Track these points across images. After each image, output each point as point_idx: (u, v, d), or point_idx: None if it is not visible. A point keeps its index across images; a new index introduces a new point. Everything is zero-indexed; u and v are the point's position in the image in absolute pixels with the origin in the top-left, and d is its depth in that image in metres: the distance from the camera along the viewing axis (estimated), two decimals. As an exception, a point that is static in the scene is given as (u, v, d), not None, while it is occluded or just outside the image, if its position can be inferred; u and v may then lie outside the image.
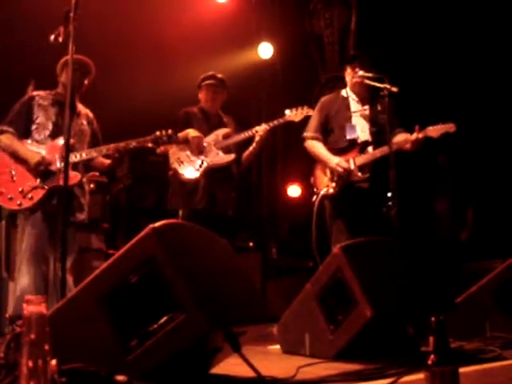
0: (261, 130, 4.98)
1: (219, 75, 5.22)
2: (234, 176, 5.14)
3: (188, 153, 4.97)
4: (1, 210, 5.08)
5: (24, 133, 4.31)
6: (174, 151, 4.98)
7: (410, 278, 3.64)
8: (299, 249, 7.60)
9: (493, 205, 7.31)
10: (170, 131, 4.40)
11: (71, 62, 3.68)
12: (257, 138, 5.00)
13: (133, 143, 4.32)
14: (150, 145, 4.39)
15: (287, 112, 5.05)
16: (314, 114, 5.03)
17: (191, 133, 4.97)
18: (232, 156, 5.03)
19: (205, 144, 4.99)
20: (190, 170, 4.94)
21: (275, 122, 5.04)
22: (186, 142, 4.94)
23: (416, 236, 5.50)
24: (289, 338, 3.72)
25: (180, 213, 4.96)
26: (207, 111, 5.21)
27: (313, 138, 4.96)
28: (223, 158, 5.02)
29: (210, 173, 4.94)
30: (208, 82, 5.16)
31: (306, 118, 5.05)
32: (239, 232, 6.92)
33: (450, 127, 4.63)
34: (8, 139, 4.28)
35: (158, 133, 4.38)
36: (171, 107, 5.35)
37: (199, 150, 4.96)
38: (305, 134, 5.02)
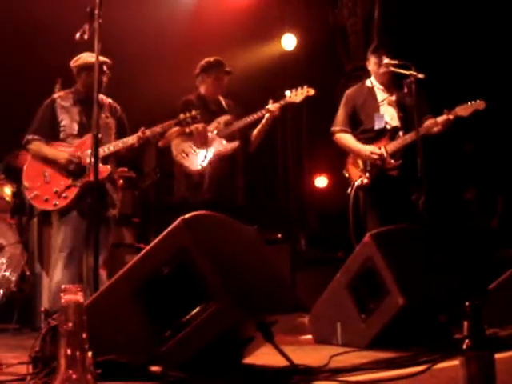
0: (274, 107, 4.85)
1: (222, 60, 5.09)
2: (240, 164, 5.04)
3: (192, 144, 4.86)
4: (33, 208, 5.14)
5: (52, 137, 4.37)
6: (176, 143, 4.89)
7: (442, 265, 3.61)
8: (328, 240, 7.59)
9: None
10: (194, 112, 4.39)
11: (97, 59, 3.71)
12: (267, 116, 4.86)
13: (157, 129, 4.34)
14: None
15: (287, 93, 4.95)
16: (341, 108, 4.98)
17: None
18: (236, 143, 4.93)
19: (208, 134, 4.87)
20: (195, 161, 4.84)
21: (281, 103, 4.91)
22: (189, 133, 4.82)
23: (446, 224, 5.45)
24: (321, 327, 3.72)
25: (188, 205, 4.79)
26: (206, 98, 5.06)
27: (341, 132, 4.93)
28: (227, 146, 4.91)
29: (215, 163, 4.83)
30: (220, 70, 5.03)
31: (309, 100, 5.00)
32: (266, 223, 6.91)
33: (479, 104, 4.57)
34: (36, 146, 4.36)
35: (181, 115, 4.39)
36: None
37: (203, 141, 4.84)
38: (333, 129, 4.98)
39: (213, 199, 4.75)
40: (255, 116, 4.90)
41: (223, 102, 5.11)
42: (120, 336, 2.41)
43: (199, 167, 4.81)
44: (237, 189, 5.02)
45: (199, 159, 4.83)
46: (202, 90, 5.08)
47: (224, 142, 4.92)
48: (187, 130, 4.67)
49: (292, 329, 3.76)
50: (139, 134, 4.33)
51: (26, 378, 2.34)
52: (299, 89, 4.95)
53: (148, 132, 4.32)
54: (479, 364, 1.63)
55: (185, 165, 4.87)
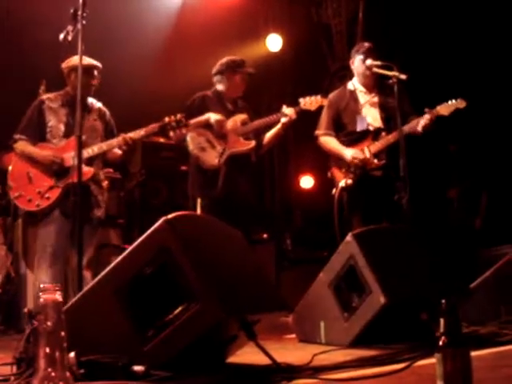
0: (291, 111, 4.84)
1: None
2: (253, 163, 5.02)
3: (210, 138, 4.82)
4: (17, 209, 5.13)
5: (39, 137, 4.38)
6: (192, 136, 4.82)
7: (424, 264, 3.65)
8: (313, 239, 7.62)
9: (506, 191, 7.28)
10: (178, 116, 4.35)
11: (80, 60, 3.74)
12: (284, 120, 4.86)
13: (141, 132, 4.33)
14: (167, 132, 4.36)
15: (301, 100, 4.93)
16: (324, 112, 5.01)
17: (213, 116, 4.82)
18: (253, 143, 4.90)
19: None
20: (212, 156, 4.80)
21: (296, 109, 4.89)
22: (206, 127, 4.78)
23: (429, 223, 5.50)
24: (304, 326, 3.75)
25: (199, 201, 4.83)
26: (223, 96, 5.02)
27: (325, 135, 4.97)
28: (244, 145, 4.88)
29: (231, 161, 4.81)
30: (246, 70, 5.00)
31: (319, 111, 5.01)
32: (254, 224, 6.94)
33: (459, 103, 4.62)
34: (22, 146, 4.37)
35: (166, 119, 4.34)
36: (181, 100, 5.32)
37: (222, 135, 4.81)
38: (317, 132, 5.02)
39: (226, 197, 4.74)
40: (271, 118, 4.90)
41: (239, 103, 5.11)
42: (103, 336, 2.42)
43: (216, 163, 4.78)
44: (251, 188, 4.99)
45: (216, 154, 4.79)
46: (222, 87, 5.02)
47: (241, 140, 4.88)
48: (172, 136, 4.62)
49: (276, 328, 3.80)
50: (121, 136, 4.33)
51: (9, 378, 2.35)
52: (313, 97, 4.93)
53: (130, 134, 4.31)
54: (455, 361, 1.65)
55: (201, 159, 4.80)
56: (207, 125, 4.80)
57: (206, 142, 4.82)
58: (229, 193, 4.76)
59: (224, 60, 5.04)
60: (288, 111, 4.86)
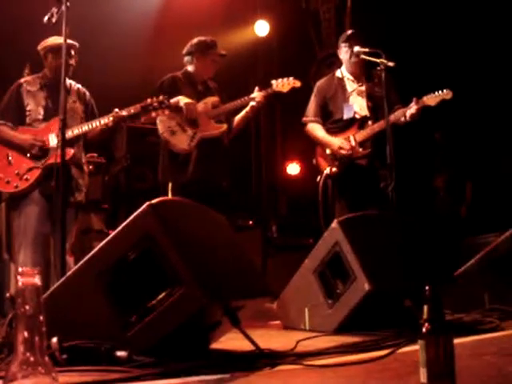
0: (259, 95, 4.78)
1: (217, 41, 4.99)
2: (226, 146, 4.90)
3: (180, 121, 4.71)
4: (1, 193, 5.08)
5: (18, 121, 4.32)
6: (162, 119, 4.67)
7: (408, 251, 3.66)
8: (299, 226, 7.63)
9: (491, 179, 7.33)
10: (161, 97, 4.26)
11: (65, 42, 3.69)
12: (253, 104, 4.79)
13: (123, 112, 4.27)
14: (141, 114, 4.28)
15: (273, 82, 4.86)
16: (312, 99, 5.01)
17: (182, 99, 4.71)
18: (224, 126, 4.81)
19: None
20: (183, 140, 4.69)
21: (268, 91, 4.83)
22: (176, 110, 4.65)
23: (414, 211, 5.52)
24: (288, 313, 3.75)
25: (170, 186, 4.71)
26: (194, 78, 4.93)
27: (312, 122, 4.96)
28: (216, 128, 4.79)
29: (203, 144, 4.70)
30: (217, 51, 4.91)
31: (295, 92, 4.91)
32: (238, 209, 6.92)
33: (446, 94, 4.64)
34: (1, 130, 4.30)
35: (148, 100, 4.26)
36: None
37: (192, 118, 4.71)
38: (304, 119, 5.02)
39: (198, 181, 4.64)
40: (242, 101, 4.81)
41: (210, 84, 5.01)
42: (86, 321, 2.40)
43: (187, 147, 4.70)
44: (223, 172, 4.87)
45: (187, 138, 4.70)
46: (192, 69, 4.93)
47: (212, 123, 4.79)
48: (142, 119, 4.51)
49: (260, 314, 3.80)
50: (113, 113, 4.26)
51: (-10, 363, 2.33)
52: (285, 79, 4.86)
53: (112, 114, 4.26)
54: (438, 348, 1.65)
55: (172, 143, 4.70)
56: (177, 108, 4.67)
57: (176, 126, 4.71)
58: (200, 177, 4.66)
59: (195, 40, 4.94)
60: (256, 95, 4.80)
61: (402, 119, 4.71)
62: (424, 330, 1.68)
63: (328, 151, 4.85)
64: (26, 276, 1.15)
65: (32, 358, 1.15)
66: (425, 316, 1.70)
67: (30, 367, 1.16)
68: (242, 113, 4.91)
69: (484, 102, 7.35)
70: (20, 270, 1.15)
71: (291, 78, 4.88)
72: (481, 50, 7.31)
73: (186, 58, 4.97)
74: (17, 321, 1.16)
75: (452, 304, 3.53)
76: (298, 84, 4.89)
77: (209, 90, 4.96)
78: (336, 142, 4.80)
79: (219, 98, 4.90)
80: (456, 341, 1.70)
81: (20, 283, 1.16)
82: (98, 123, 4.27)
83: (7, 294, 4.37)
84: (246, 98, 4.82)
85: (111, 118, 4.23)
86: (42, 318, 1.16)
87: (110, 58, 6.29)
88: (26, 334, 1.15)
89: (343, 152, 4.75)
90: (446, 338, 1.67)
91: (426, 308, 1.71)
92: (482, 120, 7.40)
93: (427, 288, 1.72)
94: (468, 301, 3.93)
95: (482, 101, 7.33)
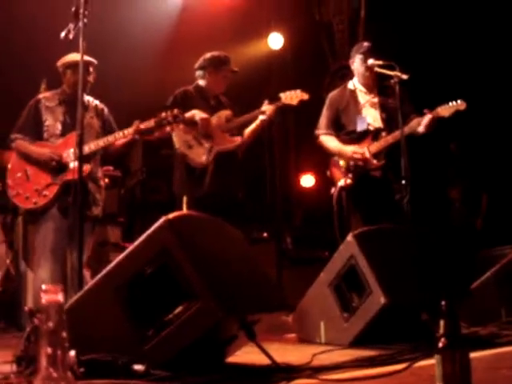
0: (270, 108, 4.81)
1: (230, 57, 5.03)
2: (240, 159, 4.95)
3: (196, 135, 4.74)
4: (17, 207, 5.13)
5: (36, 136, 4.37)
6: (178, 134, 4.70)
7: (424, 264, 3.65)
8: (314, 239, 7.62)
9: (506, 191, 7.28)
10: (175, 111, 4.29)
11: (82, 58, 3.73)
12: (262, 117, 4.81)
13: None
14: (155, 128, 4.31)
15: (282, 95, 4.88)
16: (324, 111, 5.01)
17: (198, 114, 4.73)
18: (239, 139, 4.85)
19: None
20: (200, 154, 4.72)
21: (278, 104, 4.87)
22: (191, 124, 4.69)
23: (430, 223, 5.50)
24: (304, 326, 3.75)
25: (184, 199, 4.69)
26: (206, 92, 4.95)
27: (324, 134, 4.96)
28: (231, 142, 4.83)
29: (219, 158, 4.74)
30: (229, 67, 4.94)
31: (305, 104, 4.94)
32: (252, 221, 6.93)
33: (460, 105, 4.62)
34: (19, 145, 4.36)
35: (163, 114, 4.29)
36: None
37: (207, 133, 4.75)
38: (316, 132, 5.01)
39: (214, 194, 4.67)
40: (252, 114, 4.84)
41: (221, 99, 5.04)
42: (103, 335, 2.43)
43: (204, 161, 4.73)
44: (238, 184, 4.95)
45: (204, 152, 4.73)
46: (204, 83, 4.96)
47: (227, 136, 4.83)
48: (157, 134, 4.50)
49: (276, 327, 3.80)
50: (117, 132, 4.32)
51: (9, 376, 2.35)
52: (293, 91, 4.89)
53: (127, 130, 4.30)
54: (454, 363, 1.66)
55: (189, 157, 4.73)
56: (192, 122, 4.71)
57: (192, 140, 4.75)
58: (216, 190, 4.70)
59: (208, 55, 4.97)
60: (266, 108, 4.82)
61: (419, 129, 4.69)
62: (440, 345, 1.68)
63: (342, 163, 4.85)
64: (49, 293, 1.17)
65: (55, 374, 1.17)
66: (441, 331, 1.71)
67: (52, 382, 1.18)
68: (252, 126, 4.93)
69: (499, 112, 7.33)
70: (44, 287, 1.17)
71: (298, 91, 4.91)
72: (495, 61, 7.30)
73: (198, 73, 5.00)
74: (40, 337, 1.19)
75: (468, 317, 3.51)
76: (305, 97, 4.92)
77: (221, 104, 5.00)
78: (349, 148, 4.80)
79: (231, 111, 4.93)
80: (472, 354, 1.70)
81: (44, 300, 1.18)
82: (114, 137, 4.31)
83: (25, 308, 4.40)
84: (256, 111, 4.85)
85: (131, 131, 4.28)
86: (64, 334, 1.18)
87: (122, 73, 6.35)
88: (48, 349, 1.17)
89: (357, 156, 4.73)
90: (462, 352, 1.68)
91: (442, 323, 1.71)
92: (498, 131, 7.37)
93: (443, 303, 1.72)
94: (484, 314, 3.90)
95: (497, 111, 7.31)
